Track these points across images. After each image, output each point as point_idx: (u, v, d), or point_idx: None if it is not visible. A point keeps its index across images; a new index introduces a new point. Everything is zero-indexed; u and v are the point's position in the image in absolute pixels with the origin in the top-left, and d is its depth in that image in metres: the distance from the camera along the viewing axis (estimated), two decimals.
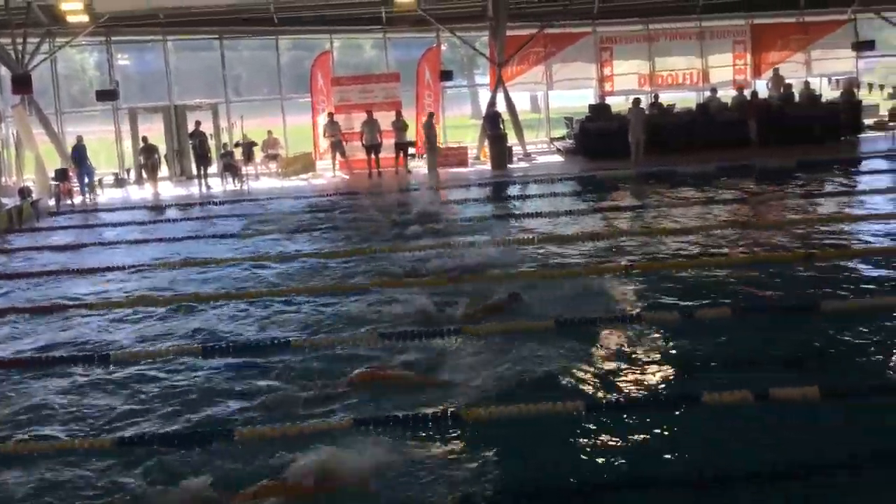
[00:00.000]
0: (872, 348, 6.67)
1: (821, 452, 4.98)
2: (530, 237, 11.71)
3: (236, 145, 21.06)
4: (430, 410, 5.78)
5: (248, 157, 21.05)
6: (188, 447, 5.46)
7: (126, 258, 11.92)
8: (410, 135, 21.47)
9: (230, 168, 20.34)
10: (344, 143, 21.00)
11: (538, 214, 13.61)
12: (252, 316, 8.56)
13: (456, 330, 7.46)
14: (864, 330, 7.01)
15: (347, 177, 20.69)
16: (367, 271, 10.22)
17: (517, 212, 14.51)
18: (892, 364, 6.39)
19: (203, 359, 7.26)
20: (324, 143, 21.71)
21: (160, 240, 13.49)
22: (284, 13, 21.93)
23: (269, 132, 22.19)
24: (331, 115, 21.17)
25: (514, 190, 17.44)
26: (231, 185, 20.21)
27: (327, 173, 21.23)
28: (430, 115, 20.96)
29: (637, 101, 19.66)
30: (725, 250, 10.34)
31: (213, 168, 21.02)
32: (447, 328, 7.52)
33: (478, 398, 5.95)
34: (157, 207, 17.72)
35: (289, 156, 22.40)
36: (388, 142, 20.79)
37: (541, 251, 10.84)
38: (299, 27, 23.01)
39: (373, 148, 20.44)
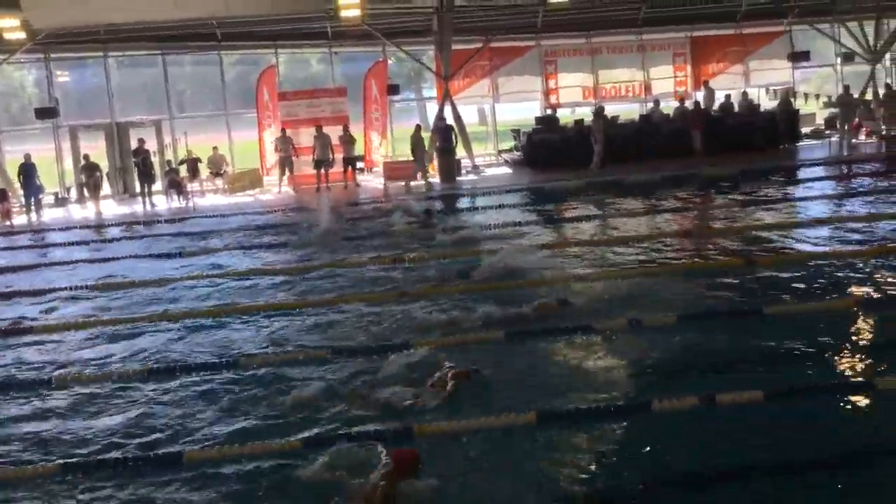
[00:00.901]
0: (814, 350, 6.84)
1: (768, 453, 5.07)
2: (493, 248, 11.76)
3: (181, 162, 20.76)
4: None
5: (193, 173, 20.75)
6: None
7: (67, 279, 11.63)
8: (358, 149, 21.45)
9: (175, 185, 20.02)
10: (294, 157, 20.82)
11: (496, 226, 13.67)
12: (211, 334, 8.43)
13: None
14: (806, 332, 7.19)
15: (295, 192, 20.49)
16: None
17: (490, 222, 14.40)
18: (834, 364, 6.55)
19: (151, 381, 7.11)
20: (272, 159, 21.51)
21: (102, 260, 13.20)
22: (228, 28, 21.71)
23: (215, 148, 21.90)
24: (283, 130, 21.01)
25: (480, 202, 17.30)
26: (176, 202, 19.89)
27: (275, 189, 21.03)
28: (418, 127, 21.05)
29: (600, 111, 20.01)
30: (673, 257, 10.51)
31: (158, 185, 20.67)
32: None
33: None
34: (100, 226, 17.34)
35: (235, 172, 22.15)
36: (337, 156, 20.75)
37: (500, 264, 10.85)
38: (243, 42, 22.82)
39: (323, 163, 20.34)
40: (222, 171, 21.56)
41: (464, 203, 17.35)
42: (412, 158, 20.68)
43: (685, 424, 5.59)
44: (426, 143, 20.76)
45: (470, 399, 6.17)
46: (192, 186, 20.48)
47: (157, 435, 6.00)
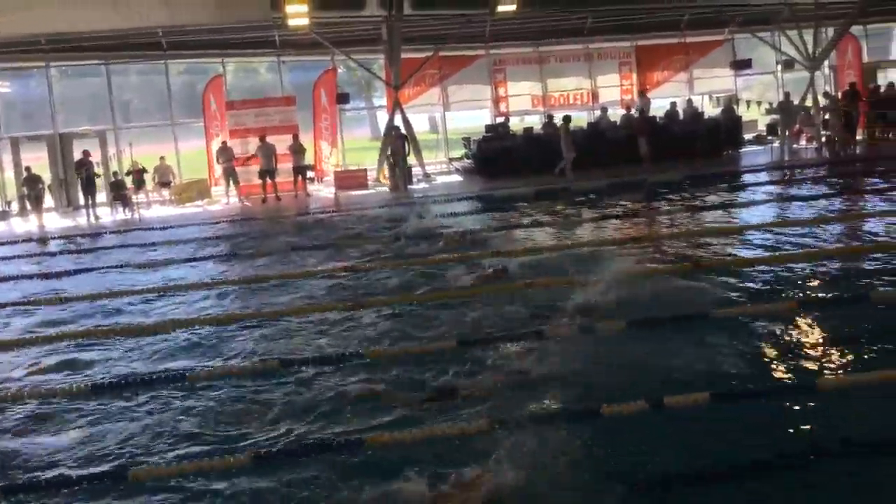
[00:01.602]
0: (758, 352, 6.99)
1: (716, 456, 5.16)
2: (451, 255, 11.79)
3: (127, 173, 20.39)
4: None
5: (139, 184, 20.40)
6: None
7: (7, 294, 11.34)
8: (309, 158, 21.34)
9: (120, 197, 19.66)
10: (238, 168, 20.56)
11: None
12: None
13: None
14: (751, 335, 7.35)
15: (245, 203, 20.27)
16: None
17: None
18: (778, 365, 6.70)
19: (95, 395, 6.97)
20: (218, 169, 21.27)
21: (45, 275, 12.90)
22: (173, 37, 21.42)
23: (161, 158, 21.58)
24: (224, 141, 20.77)
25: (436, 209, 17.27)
26: (121, 214, 19.52)
27: (223, 200, 20.78)
28: (399, 130, 21.06)
29: (567, 119, 20.25)
30: (622, 263, 10.63)
31: (102, 197, 20.27)
32: None
33: None
34: (42, 240, 16.94)
35: (182, 182, 21.83)
36: (287, 166, 20.63)
37: (442, 273, 10.89)
38: (189, 51, 22.53)
39: (268, 173, 20.17)
40: (169, 182, 21.24)
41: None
42: (361, 166, 20.65)
43: (633, 428, 5.66)
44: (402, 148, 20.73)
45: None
46: (138, 198, 20.13)
47: (103, 453, 5.88)
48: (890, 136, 21.71)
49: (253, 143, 20.76)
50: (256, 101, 22.40)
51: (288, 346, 8.03)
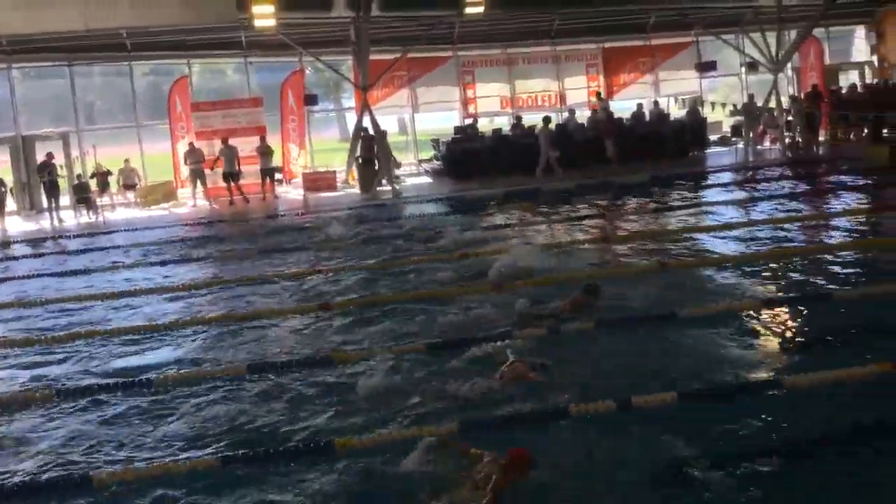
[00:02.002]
0: (725, 351, 7.07)
1: (683, 454, 5.21)
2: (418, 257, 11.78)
3: (91, 176, 20.10)
4: None
5: (103, 187, 20.13)
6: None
7: None
8: (276, 160, 21.19)
9: (84, 200, 19.37)
10: (207, 170, 20.36)
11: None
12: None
13: None
14: (718, 333, 7.44)
15: (213, 206, 20.06)
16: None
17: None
18: (744, 363, 6.78)
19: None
20: (185, 171, 21.03)
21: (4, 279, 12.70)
22: (138, 38, 21.14)
23: (126, 161, 21.28)
24: (191, 143, 20.56)
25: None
26: (85, 217, 19.23)
27: (189, 202, 20.55)
28: (384, 133, 20.96)
29: (547, 120, 20.35)
30: (589, 264, 10.71)
31: (66, 200, 19.96)
32: None
33: None
34: (5, 243, 16.63)
35: (147, 185, 21.56)
36: (255, 167, 20.51)
37: (415, 276, 10.87)
38: (154, 52, 22.27)
39: (231, 176, 19.98)
40: (134, 185, 20.97)
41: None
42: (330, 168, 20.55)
43: (602, 429, 5.69)
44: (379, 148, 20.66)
45: None
46: (103, 201, 19.85)
47: (66, 457, 5.80)
48: (852, 136, 22.09)
49: (218, 146, 20.54)
50: (223, 103, 22.19)
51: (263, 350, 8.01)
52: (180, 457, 5.68)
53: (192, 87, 22.77)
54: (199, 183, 20.31)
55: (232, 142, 20.40)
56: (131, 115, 22.92)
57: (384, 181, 20.48)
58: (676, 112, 23.79)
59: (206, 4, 18.60)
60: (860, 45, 26.52)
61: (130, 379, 7.25)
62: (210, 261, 13.08)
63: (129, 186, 20.97)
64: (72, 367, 7.92)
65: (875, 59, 25.66)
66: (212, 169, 20.30)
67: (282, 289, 10.59)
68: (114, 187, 20.74)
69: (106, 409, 6.69)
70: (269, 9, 18.75)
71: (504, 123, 23.61)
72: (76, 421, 6.49)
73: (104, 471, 5.46)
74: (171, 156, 21.95)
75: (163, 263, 12.93)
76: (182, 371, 7.46)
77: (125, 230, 16.81)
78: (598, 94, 23.74)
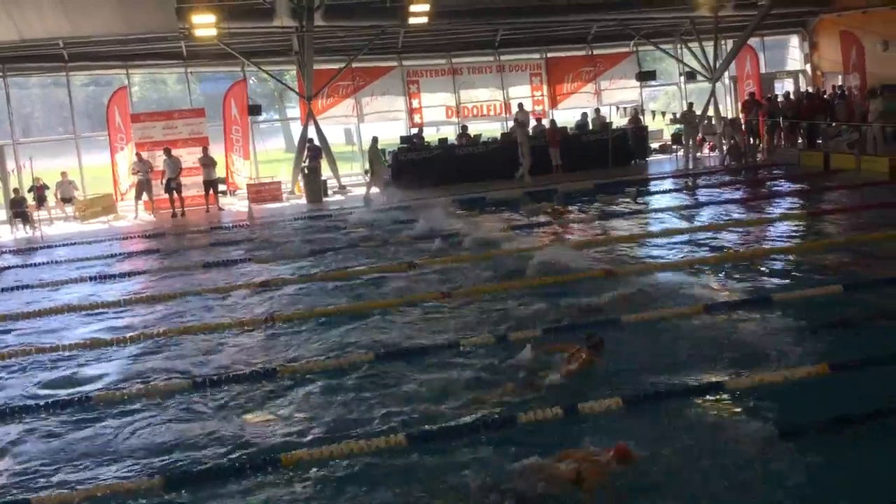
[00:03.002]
0: (667, 354, 7.19)
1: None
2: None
3: (29, 190, 19.55)
4: None
5: (40, 201, 19.59)
6: None
7: None
8: (220, 171, 20.90)
9: (20, 214, 18.82)
10: (157, 181, 19.95)
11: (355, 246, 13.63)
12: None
13: None
14: (660, 338, 7.56)
15: (156, 218, 19.67)
16: None
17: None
18: (687, 366, 6.90)
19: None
20: (126, 183, 20.55)
21: None
22: (75, 48, 20.66)
23: (63, 174, 20.74)
24: (138, 153, 20.13)
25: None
26: (22, 231, 18.69)
27: (130, 215, 20.10)
28: (375, 139, 20.72)
29: (521, 125, 20.55)
30: (534, 273, 10.78)
31: (2, 215, 19.37)
32: None
33: None
34: None
35: (86, 198, 21.06)
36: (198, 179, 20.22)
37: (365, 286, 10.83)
38: (92, 63, 21.78)
39: (173, 187, 19.64)
40: (71, 198, 20.45)
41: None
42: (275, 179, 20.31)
43: (550, 434, 5.73)
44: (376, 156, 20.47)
45: None
46: (40, 215, 19.32)
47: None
48: (787, 143, 22.70)
49: (160, 157, 20.15)
50: (164, 114, 21.80)
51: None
52: (124, 476, 5.55)
53: (134, 98, 22.34)
54: (144, 195, 19.88)
55: (174, 153, 20.05)
56: (70, 127, 22.37)
57: (379, 186, 20.09)
58: (619, 121, 24.15)
59: (144, 14, 18.26)
60: (794, 53, 27.31)
61: (69, 397, 7.07)
62: (152, 275, 12.82)
63: (66, 200, 20.44)
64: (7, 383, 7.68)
65: (808, 67, 26.47)
66: (161, 181, 19.90)
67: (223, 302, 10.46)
68: (51, 201, 20.21)
69: (43, 428, 6.50)
70: (210, 18, 18.51)
71: (450, 133, 23.65)
72: (9, 442, 6.28)
73: (43, 495, 5.29)
74: (110, 168, 21.47)
75: (102, 278, 12.63)
76: (122, 388, 7.29)
77: (63, 245, 16.37)
78: (521, 105, 23.71)
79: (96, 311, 10.47)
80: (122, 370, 7.90)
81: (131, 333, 9.10)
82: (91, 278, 12.61)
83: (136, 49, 21.25)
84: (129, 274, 12.97)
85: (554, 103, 24.97)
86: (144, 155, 20.06)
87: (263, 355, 8.04)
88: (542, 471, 5.04)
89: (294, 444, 5.84)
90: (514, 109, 23.50)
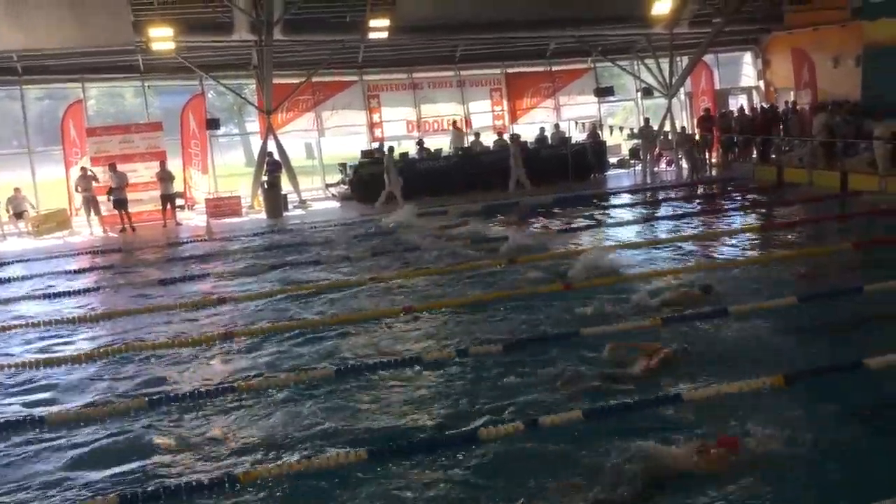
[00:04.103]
0: (626, 368, 7.26)
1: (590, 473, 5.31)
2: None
3: None
4: None
5: None
6: None
7: None
8: (178, 186, 20.65)
9: None
10: (98, 197, 19.53)
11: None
12: None
13: None
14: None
15: (110, 234, 19.32)
16: None
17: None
18: (643, 381, 6.97)
19: None
20: (78, 199, 20.18)
21: None
22: (29, 61, 20.29)
23: (16, 189, 20.30)
24: (83, 168, 19.75)
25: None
26: None
27: (85, 230, 19.74)
28: (391, 150, 20.64)
29: (516, 137, 20.69)
30: (494, 286, 10.83)
31: None
32: None
33: None
34: None
35: (40, 213, 20.64)
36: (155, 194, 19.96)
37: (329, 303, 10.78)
38: (46, 76, 21.40)
39: (120, 203, 19.33)
40: (23, 213, 20.02)
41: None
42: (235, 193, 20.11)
43: (509, 449, 5.74)
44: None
45: None
46: None
47: None
48: (741, 157, 23.13)
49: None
50: (120, 128, 21.49)
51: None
52: (77, 497, 5.44)
53: (90, 112, 21.99)
54: (92, 211, 19.50)
55: (131, 167, 19.79)
56: (24, 141, 21.94)
57: (397, 199, 19.90)
58: (577, 136, 24.42)
59: (100, 27, 17.98)
60: (748, 70, 27.91)
61: (20, 417, 6.91)
62: (102, 291, 12.60)
63: (18, 215, 20.01)
64: None
65: (762, 83, 27.07)
66: (108, 197, 19.54)
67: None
68: (3, 216, 19.78)
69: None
70: (167, 32, 18.34)
71: (411, 147, 23.66)
72: None
73: None
74: (65, 183, 21.08)
75: (54, 295, 12.37)
76: (76, 408, 7.14)
77: (15, 261, 16.02)
78: (455, 122, 23.76)
79: (45, 328, 10.26)
80: (71, 389, 7.73)
81: (80, 352, 8.92)
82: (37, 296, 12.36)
83: (92, 62, 20.91)
84: (63, 294, 12.61)
85: (514, 118, 25.16)
86: (89, 171, 19.66)
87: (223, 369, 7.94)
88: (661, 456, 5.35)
89: (255, 461, 5.77)
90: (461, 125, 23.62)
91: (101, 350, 8.90)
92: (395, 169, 20.09)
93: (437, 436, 6.05)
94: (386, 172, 19.98)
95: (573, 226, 15.57)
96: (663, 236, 13.90)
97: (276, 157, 21.18)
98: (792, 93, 24.90)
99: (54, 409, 7.16)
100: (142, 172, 20.22)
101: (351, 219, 18.65)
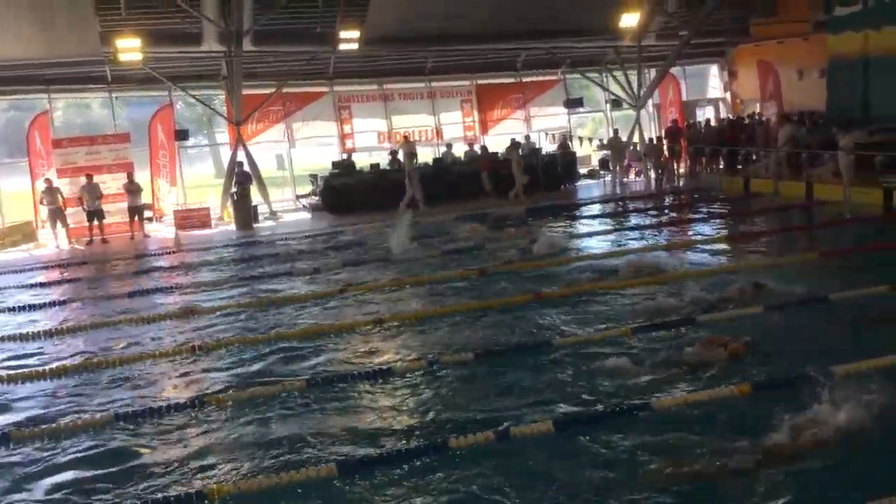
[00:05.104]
0: (597, 376, 7.29)
1: (565, 484, 5.31)
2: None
3: None
4: None
5: None
6: None
7: None
8: (146, 197, 20.44)
9: None
10: (64, 209, 19.25)
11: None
12: None
13: None
14: (592, 361, 7.66)
15: (76, 247, 19.05)
16: None
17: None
18: (616, 388, 7.00)
19: None
20: (43, 212, 19.88)
21: None
22: None
23: None
24: (48, 180, 19.45)
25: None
26: None
27: (51, 243, 19.45)
28: (412, 152, 20.68)
29: (516, 144, 21.12)
30: (467, 297, 10.84)
31: None
32: None
33: None
34: None
35: (5, 226, 20.31)
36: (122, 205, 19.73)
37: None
38: (11, 87, 21.10)
39: (95, 214, 19.10)
40: None
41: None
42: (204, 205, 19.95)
43: (483, 459, 5.73)
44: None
45: None
46: None
47: None
48: (708, 168, 23.40)
49: (82, 184, 19.56)
50: (87, 139, 21.25)
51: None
52: None
53: (57, 123, 21.72)
54: (59, 224, 19.21)
55: (98, 179, 19.55)
56: None
57: (419, 204, 19.84)
58: (548, 146, 24.58)
59: (67, 37, 17.84)
60: (714, 82, 28.34)
61: None
62: (67, 305, 12.41)
63: None
64: None
65: (728, 95, 27.49)
66: (83, 207, 19.28)
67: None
68: None
69: None
70: (135, 43, 18.22)
71: (382, 158, 23.66)
72: None
73: None
74: (31, 195, 20.77)
75: (18, 309, 12.16)
76: (41, 426, 7.01)
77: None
78: (406, 136, 23.66)
79: (9, 342, 10.08)
80: (37, 405, 7.60)
81: (44, 367, 8.77)
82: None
83: (58, 73, 20.70)
84: (28, 307, 12.41)
85: (485, 129, 25.28)
86: (57, 183, 19.38)
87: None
88: None
89: (224, 476, 5.70)
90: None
91: (68, 365, 8.76)
92: (417, 174, 20.11)
93: (408, 447, 6.02)
94: (407, 179, 19.91)
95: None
96: (633, 245, 13.98)
97: (246, 168, 21.07)
98: (758, 104, 25.31)
99: (19, 425, 7.02)
100: (109, 184, 20.01)
101: (322, 229, 18.58)
